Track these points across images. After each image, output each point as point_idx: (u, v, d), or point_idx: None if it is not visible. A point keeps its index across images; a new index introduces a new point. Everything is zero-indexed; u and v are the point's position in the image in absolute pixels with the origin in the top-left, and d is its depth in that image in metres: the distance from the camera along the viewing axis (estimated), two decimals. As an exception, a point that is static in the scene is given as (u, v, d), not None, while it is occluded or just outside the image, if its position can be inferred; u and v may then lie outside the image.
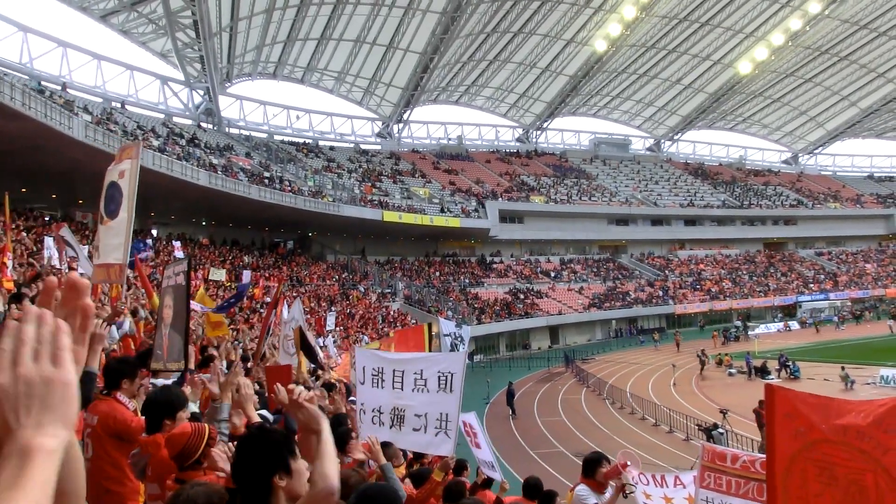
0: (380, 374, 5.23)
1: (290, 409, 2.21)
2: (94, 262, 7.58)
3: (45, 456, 0.80)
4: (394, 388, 5.15)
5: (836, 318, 50.75)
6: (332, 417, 6.11)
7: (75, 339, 0.93)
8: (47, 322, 0.88)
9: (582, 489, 5.16)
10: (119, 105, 39.55)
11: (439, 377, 4.98)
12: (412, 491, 4.86)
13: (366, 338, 30.05)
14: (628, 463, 5.01)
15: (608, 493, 5.06)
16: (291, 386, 2.58)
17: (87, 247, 17.10)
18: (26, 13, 69.98)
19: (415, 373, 5.07)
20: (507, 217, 53.87)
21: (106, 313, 7.42)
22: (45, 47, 37.40)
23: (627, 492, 5.01)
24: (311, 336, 15.03)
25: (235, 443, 2.84)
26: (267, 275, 34.68)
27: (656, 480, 5.94)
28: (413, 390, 5.06)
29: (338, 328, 28.71)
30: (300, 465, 2.27)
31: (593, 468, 5.21)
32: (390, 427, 5.07)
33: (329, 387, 10.97)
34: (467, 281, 50.52)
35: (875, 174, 76.96)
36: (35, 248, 16.99)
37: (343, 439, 5.55)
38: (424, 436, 5.01)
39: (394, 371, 5.16)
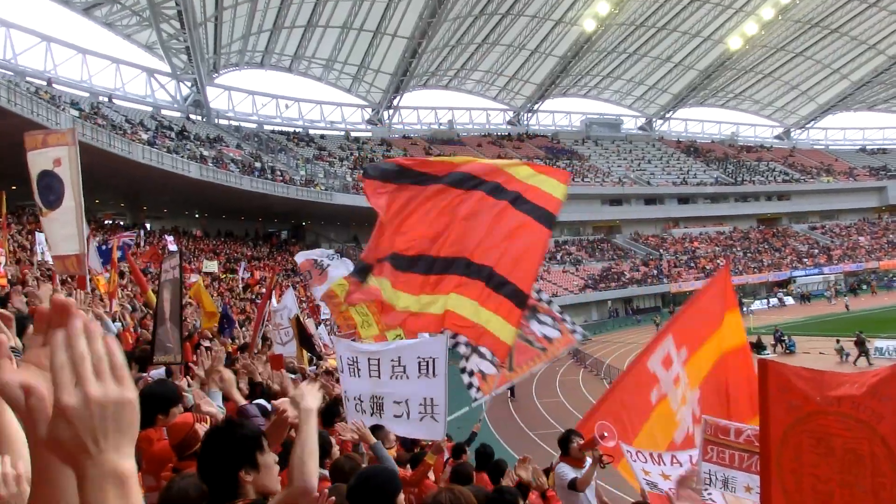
0: (355, 364, 5.21)
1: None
2: (52, 254, 7.44)
3: (134, 479, 0.84)
4: (370, 376, 5.12)
5: (826, 293, 51.10)
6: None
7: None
8: (96, 336, 0.85)
9: (561, 467, 5.39)
10: (106, 99, 39.20)
11: (419, 363, 4.95)
12: (405, 474, 4.90)
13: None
14: (605, 434, 5.04)
15: (588, 466, 5.21)
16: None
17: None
18: (7, 8, 69.14)
19: (392, 360, 5.04)
20: (500, 200, 53.73)
21: (102, 309, 7.38)
22: (28, 42, 37.07)
23: (606, 462, 5.11)
24: (311, 325, 15.05)
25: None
26: (262, 265, 34.64)
27: (653, 459, 5.96)
28: (391, 377, 5.03)
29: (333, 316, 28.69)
30: (269, 459, 2.25)
31: (566, 445, 5.48)
32: (371, 415, 5.06)
33: (328, 374, 10.96)
34: (463, 265, 50.50)
35: (867, 147, 76.99)
36: (28, 245, 16.92)
37: (330, 413, 5.56)
38: (408, 422, 5.00)
39: (368, 360, 5.14)
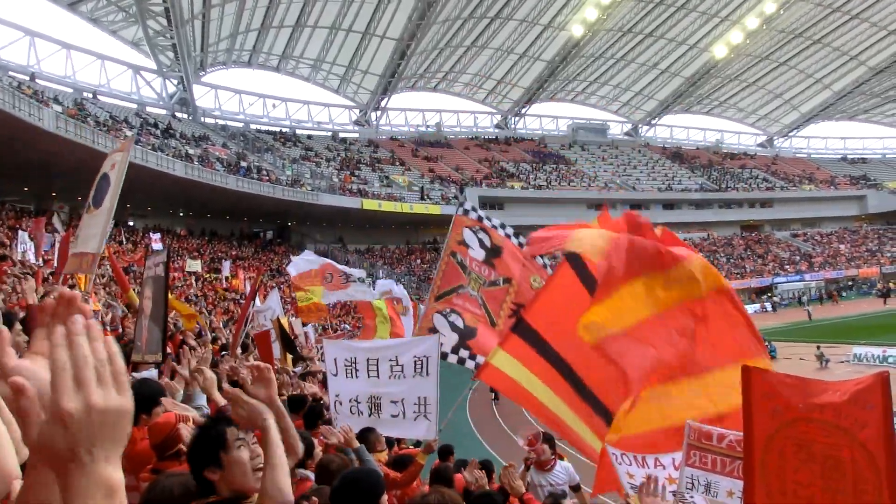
0: (353, 364, 5.20)
1: (231, 403, 2.20)
2: (71, 251, 7.48)
3: (122, 490, 0.79)
4: (369, 376, 5.13)
5: (804, 299, 51.60)
6: (292, 397, 6.12)
7: None
8: (99, 336, 0.79)
9: (520, 468, 5.90)
10: (91, 95, 38.79)
11: (415, 362, 4.99)
12: (395, 475, 4.89)
13: (347, 325, 30.02)
14: (530, 437, 5.62)
15: (556, 467, 5.84)
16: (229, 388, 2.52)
17: (56, 235, 16.81)
18: (-9, 2, 68.35)
19: (390, 360, 5.07)
20: (487, 203, 53.75)
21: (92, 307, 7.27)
22: (11, 36, 36.60)
23: (529, 463, 5.80)
24: (298, 325, 14.95)
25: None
26: (246, 265, 34.41)
27: (637, 461, 6.02)
28: (389, 377, 5.06)
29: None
30: (238, 456, 2.23)
31: None
32: (369, 415, 5.07)
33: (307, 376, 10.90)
34: (448, 268, 50.49)
35: (848, 156, 78.07)
36: (8, 243, 16.68)
37: (314, 415, 5.54)
38: (403, 421, 5.03)
39: (367, 360, 5.14)
